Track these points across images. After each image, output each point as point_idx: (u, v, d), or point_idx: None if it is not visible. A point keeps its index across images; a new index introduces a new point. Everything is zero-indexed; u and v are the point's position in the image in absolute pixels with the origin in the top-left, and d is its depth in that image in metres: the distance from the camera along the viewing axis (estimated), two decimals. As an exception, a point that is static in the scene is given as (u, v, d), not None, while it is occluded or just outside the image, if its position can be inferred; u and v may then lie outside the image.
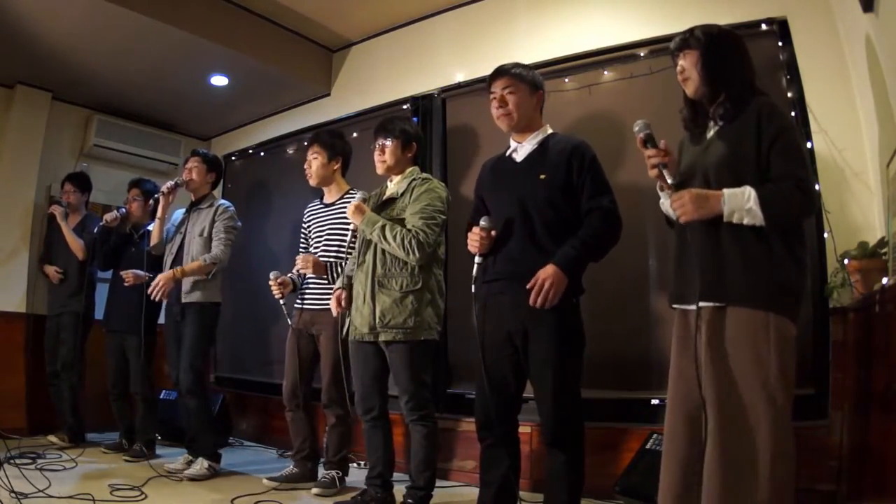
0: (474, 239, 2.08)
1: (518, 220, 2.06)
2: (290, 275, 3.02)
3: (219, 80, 4.28)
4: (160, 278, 3.09)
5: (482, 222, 2.08)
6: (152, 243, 3.37)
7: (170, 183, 3.31)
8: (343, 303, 2.56)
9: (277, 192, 4.40)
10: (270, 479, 2.88)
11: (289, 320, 2.99)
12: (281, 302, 2.97)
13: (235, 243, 3.29)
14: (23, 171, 4.19)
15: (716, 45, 1.68)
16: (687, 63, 1.69)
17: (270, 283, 2.95)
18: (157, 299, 3.13)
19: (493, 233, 2.08)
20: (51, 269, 3.88)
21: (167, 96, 4.48)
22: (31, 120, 4.25)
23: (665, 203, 1.84)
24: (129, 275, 3.47)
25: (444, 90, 3.57)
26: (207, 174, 3.36)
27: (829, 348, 2.36)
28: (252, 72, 4.13)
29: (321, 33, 4.23)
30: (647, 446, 2.45)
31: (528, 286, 1.93)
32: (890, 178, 2.11)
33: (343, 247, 2.90)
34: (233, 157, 4.79)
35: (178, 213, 3.44)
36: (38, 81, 4.23)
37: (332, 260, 2.90)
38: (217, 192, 3.53)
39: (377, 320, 2.39)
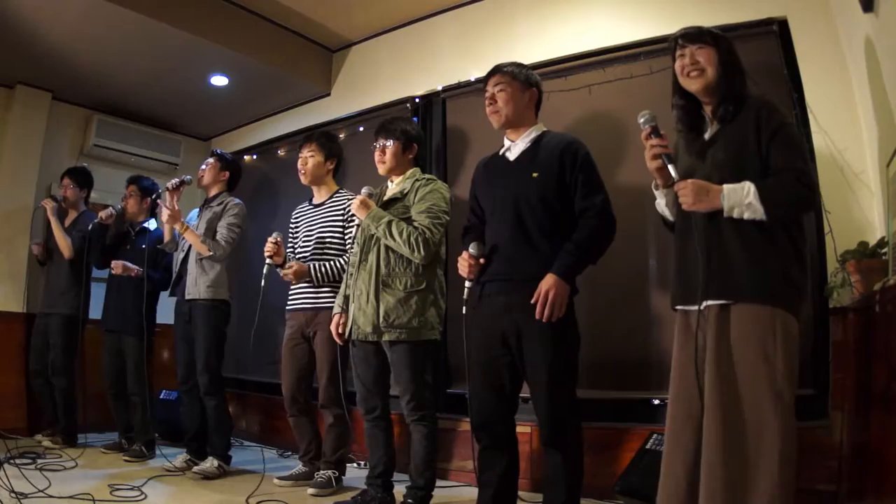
0: (463, 265, 2.10)
1: (511, 220, 2.05)
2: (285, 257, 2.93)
3: (219, 80, 4.29)
4: (172, 212, 3.16)
5: (471, 249, 2.09)
6: (165, 240, 3.37)
7: (175, 180, 3.28)
8: (342, 329, 2.57)
9: (277, 193, 4.40)
10: (281, 478, 2.89)
11: (261, 283, 2.87)
12: (266, 261, 2.85)
13: (237, 242, 3.26)
14: (23, 171, 4.19)
15: (729, 47, 1.70)
16: (703, 57, 1.68)
17: (270, 241, 2.84)
18: (163, 220, 3.26)
19: (481, 260, 2.09)
20: (33, 243, 3.88)
21: (167, 96, 4.48)
22: (31, 120, 4.25)
23: (661, 202, 1.83)
24: (118, 264, 3.47)
25: (445, 90, 3.57)
26: (220, 172, 3.37)
27: (829, 348, 2.36)
28: (252, 72, 4.13)
29: (321, 33, 4.23)
30: (647, 446, 2.44)
31: (532, 301, 1.92)
32: (890, 178, 2.11)
33: (332, 245, 2.91)
34: (232, 158, 4.79)
35: (194, 213, 3.45)
36: (38, 81, 4.23)
37: (317, 260, 2.90)
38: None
39: (381, 319, 2.39)
